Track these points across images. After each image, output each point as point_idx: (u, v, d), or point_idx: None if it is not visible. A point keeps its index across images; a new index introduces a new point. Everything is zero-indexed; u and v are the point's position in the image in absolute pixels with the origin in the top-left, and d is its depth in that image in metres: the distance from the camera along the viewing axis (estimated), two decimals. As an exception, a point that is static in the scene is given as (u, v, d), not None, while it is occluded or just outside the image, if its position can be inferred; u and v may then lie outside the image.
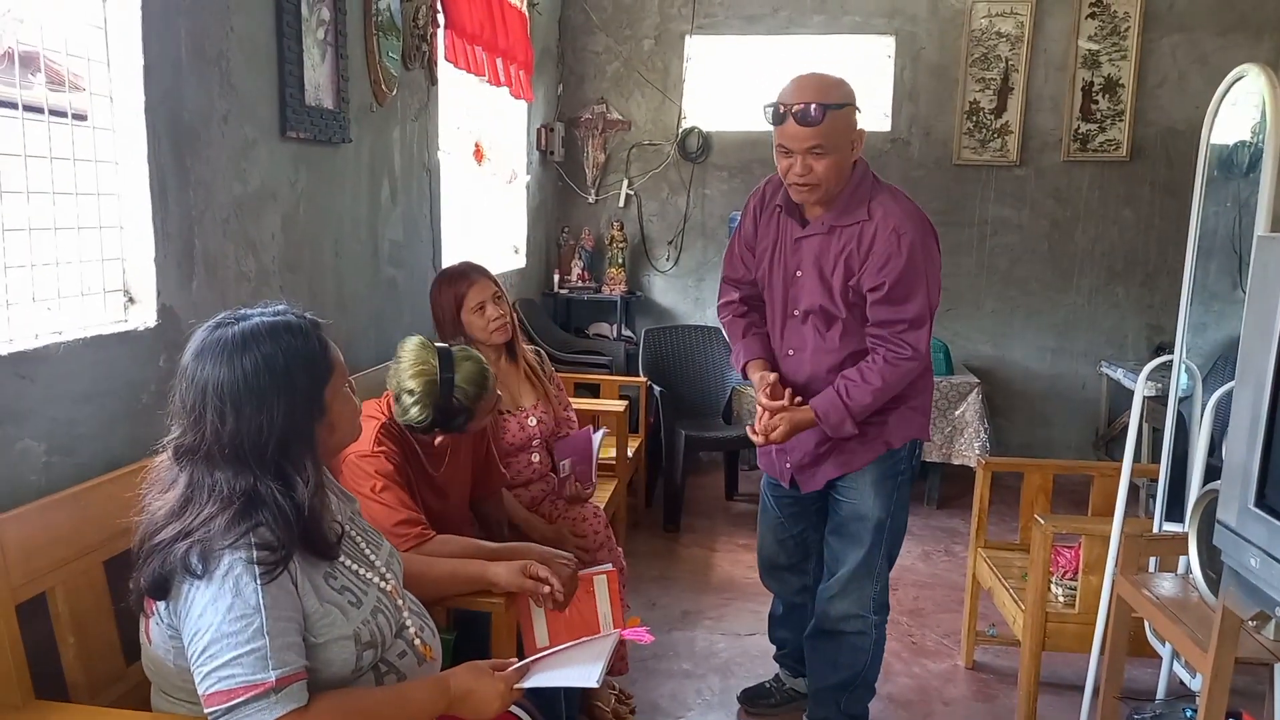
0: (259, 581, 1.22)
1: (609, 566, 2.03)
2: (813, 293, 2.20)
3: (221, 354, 1.29)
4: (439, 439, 2.06)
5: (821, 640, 2.42)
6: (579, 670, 1.49)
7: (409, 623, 1.49)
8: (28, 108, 1.66)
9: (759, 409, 2.25)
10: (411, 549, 1.90)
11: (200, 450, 1.28)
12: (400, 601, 1.50)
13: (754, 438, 2.26)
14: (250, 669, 1.20)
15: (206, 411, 1.27)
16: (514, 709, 1.61)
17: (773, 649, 2.80)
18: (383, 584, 1.47)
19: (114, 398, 1.79)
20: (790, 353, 2.30)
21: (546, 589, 1.83)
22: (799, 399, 2.23)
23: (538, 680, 1.48)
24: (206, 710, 1.21)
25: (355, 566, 1.43)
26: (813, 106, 2.01)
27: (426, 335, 2.10)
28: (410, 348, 2.01)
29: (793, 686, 2.72)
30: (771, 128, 2.11)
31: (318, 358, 1.36)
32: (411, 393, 1.96)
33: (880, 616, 2.38)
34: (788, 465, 2.38)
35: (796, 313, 2.26)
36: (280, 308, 1.38)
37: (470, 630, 1.89)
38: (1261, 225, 1.94)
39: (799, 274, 2.23)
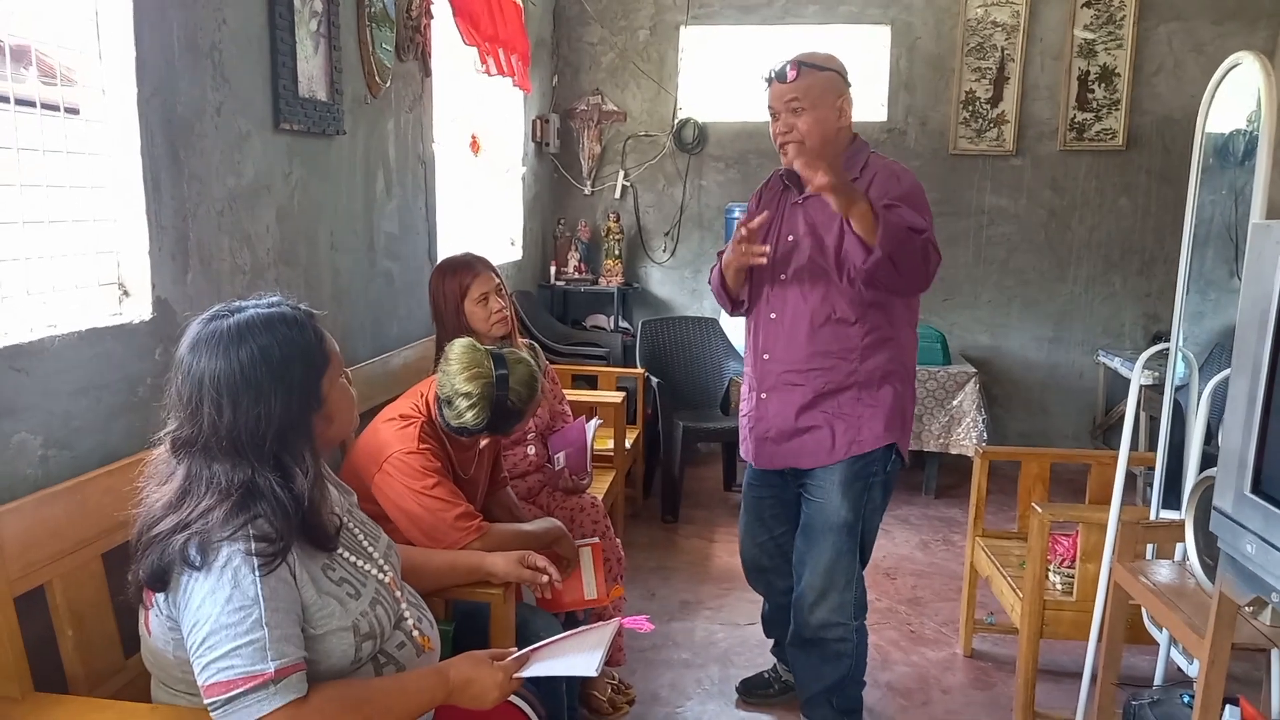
0: (258, 573, 1.22)
1: (595, 540, 2.19)
2: (804, 252, 2.24)
3: (218, 346, 1.29)
4: (484, 442, 2.06)
5: (804, 650, 2.41)
6: (578, 659, 1.49)
7: (407, 614, 1.50)
8: (20, 101, 1.66)
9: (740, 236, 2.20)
10: (473, 541, 1.93)
11: (198, 442, 1.28)
12: (399, 593, 1.50)
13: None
14: (249, 660, 1.20)
15: (203, 404, 1.27)
16: (513, 698, 1.61)
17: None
18: (381, 575, 1.47)
19: (110, 391, 1.78)
20: (772, 315, 2.31)
21: (545, 578, 1.85)
22: (766, 392, 2.32)
23: (537, 669, 1.48)
24: (206, 701, 1.21)
25: (353, 558, 1.44)
26: (789, 65, 2.18)
27: (423, 326, 2.10)
28: (460, 350, 1.95)
29: (788, 680, 2.72)
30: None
31: (314, 349, 1.35)
32: (469, 395, 1.90)
33: (860, 620, 2.38)
34: (757, 436, 2.36)
35: (784, 276, 2.28)
36: (275, 299, 1.38)
37: (469, 621, 1.89)
38: (1256, 213, 1.94)
39: (790, 238, 2.28)
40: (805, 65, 2.16)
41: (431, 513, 1.91)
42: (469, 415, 1.91)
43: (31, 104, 1.69)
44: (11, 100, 1.64)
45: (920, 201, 2.15)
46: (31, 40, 1.70)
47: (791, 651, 2.46)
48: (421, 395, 2.07)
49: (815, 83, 2.16)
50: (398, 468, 1.94)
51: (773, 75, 2.20)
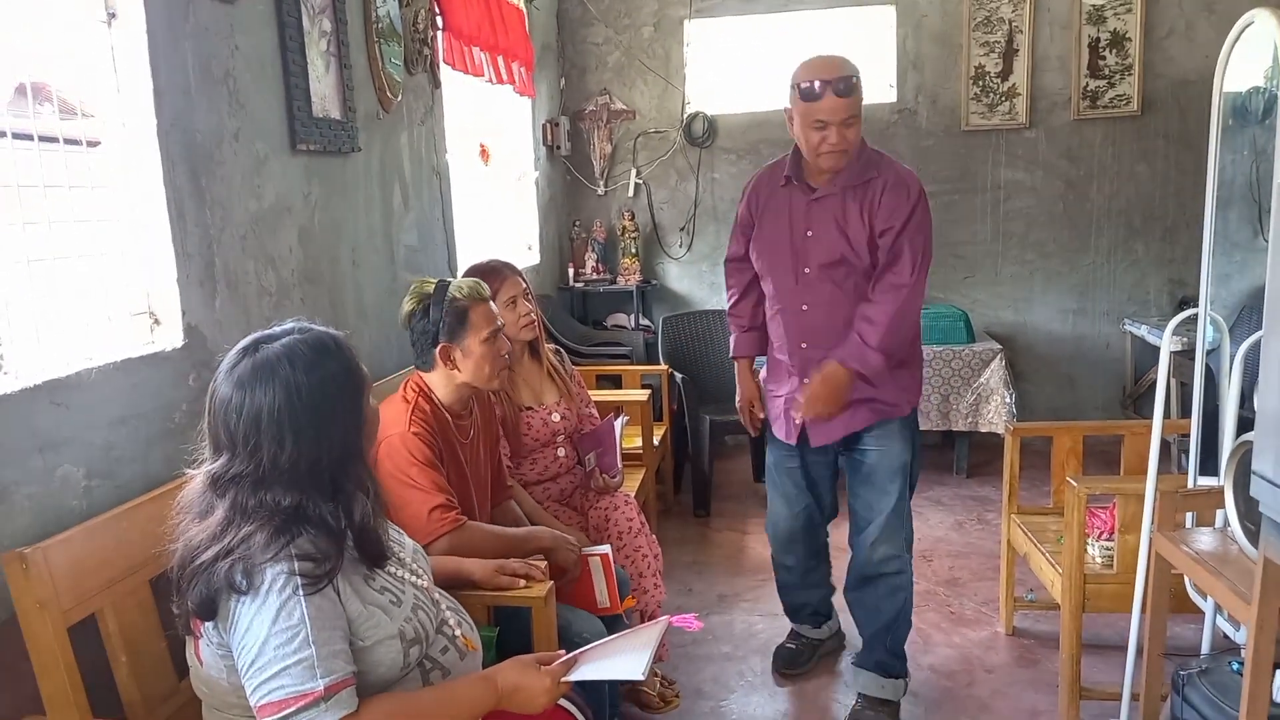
0: (302, 592, 1.24)
1: (604, 550, 2.20)
2: (831, 248, 2.35)
3: (271, 379, 1.29)
4: (443, 348, 2.02)
5: (865, 588, 2.55)
6: (625, 661, 1.49)
7: (449, 617, 1.51)
8: (42, 138, 1.69)
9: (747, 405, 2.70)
10: (446, 534, 1.93)
11: (250, 476, 1.28)
12: (436, 596, 1.52)
13: (749, 425, 2.73)
14: (298, 679, 1.21)
15: (263, 439, 1.28)
16: (561, 702, 1.62)
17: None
18: (416, 580, 1.48)
19: (147, 419, 1.81)
20: (805, 308, 2.43)
21: (522, 583, 1.90)
22: (811, 377, 2.40)
23: (584, 673, 1.49)
24: (259, 722, 1.22)
25: (390, 567, 1.44)
26: (852, 79, 2.22)
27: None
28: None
29: (813, 637, 2.86)
30: (789, 106, 2.31)
31: (355, 370, 1.38)
32: (408, 298, 2.07)
33: (910, 554, 2.54)
34: (798, 421, 2.48)
35: (809, 270, 2.39)
36: (303, 324, 1.38)
37: (511, 625, 1.91)
38: (1280, 171, 1.91)
39: (810, 234, 2.38)
40: (858, 79, 2.23)
41: (408, 502, 1.92)
42: (404, 310, 2.07)
43: (54, 140, 1.72)
44: (35, 138, 1.67)
45: (920, 217, 2.30)
46: (49, 77, 1.73)
47: (852, 595, 2.61)
48: (414, 376, 2.11)
49: (860, 93, 2.25)
50: (388, 451, 1.94)
51: (829, 89, 2.20)
